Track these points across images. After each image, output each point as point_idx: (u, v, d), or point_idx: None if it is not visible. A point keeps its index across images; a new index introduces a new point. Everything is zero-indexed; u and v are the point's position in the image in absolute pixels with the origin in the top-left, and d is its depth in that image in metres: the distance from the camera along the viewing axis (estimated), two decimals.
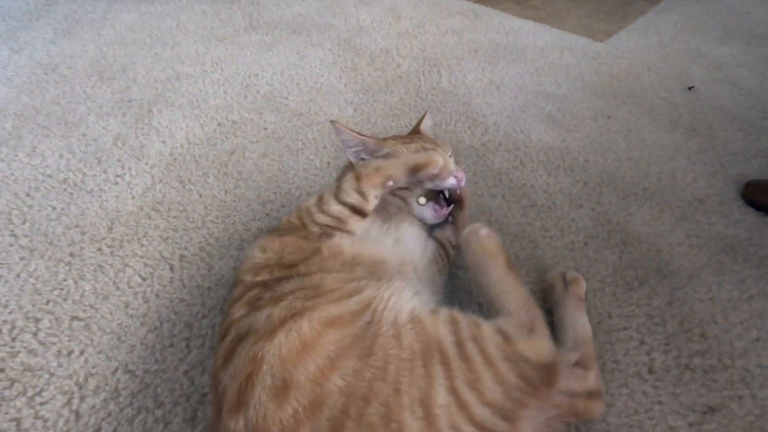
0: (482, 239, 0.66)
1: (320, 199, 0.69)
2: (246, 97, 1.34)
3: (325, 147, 1.16)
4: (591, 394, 0.64)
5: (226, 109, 1.29)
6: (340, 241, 0.65)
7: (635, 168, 1.08)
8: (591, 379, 0.65)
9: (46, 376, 0.70)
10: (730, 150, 1.14)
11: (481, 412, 0.49)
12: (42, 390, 0.68)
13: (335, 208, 0.67)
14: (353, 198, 0.67)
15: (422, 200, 0.80)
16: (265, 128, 1.22)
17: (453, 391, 0.49)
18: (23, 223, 0.94)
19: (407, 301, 0.57)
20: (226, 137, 1.18)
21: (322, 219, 0.66)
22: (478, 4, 1.92)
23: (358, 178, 0.68)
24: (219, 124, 1.23)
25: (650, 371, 0.71)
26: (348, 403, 0.46)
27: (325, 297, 0.53)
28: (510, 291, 0.64)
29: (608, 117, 1.25)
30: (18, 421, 0.65)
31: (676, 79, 1.41)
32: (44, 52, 1.54)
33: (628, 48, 1.59)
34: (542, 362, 0.56)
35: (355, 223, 0.68)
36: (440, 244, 0.80)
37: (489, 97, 1.34)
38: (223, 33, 1.68)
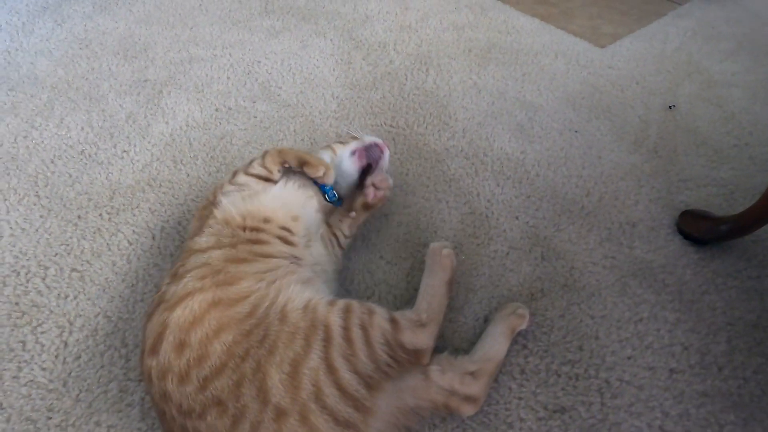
0: (444, 256, 0.85)
1: (233, 175, 0.88)
2: (245, 84, 1.48)
3: (302, 139, 1.29)
4: (468, 399, 0.71)
5: (225, 95, 1.44)
6: (229, 205, 0.81)
7: (581, 186, 1.15)
8: (475, 387, 0.72)
9: (47, 312, 0.91)
10: (683, 176, 1.17)
11: (348, 377, 0.61)
12: (43, 322, 0.90)
13: (242, 178, 0.86)
14: (259, 171, 0.87)
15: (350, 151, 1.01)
16: (255, 116, 1.36)
17: (326, 359, 0.61)
18: (46, 186, 1.15)
19: (299, 293, 0.70)
20: (220, 123, 1.34)
21: (230, 188, 0.84)
22: None
23: (263, 157, 0.89)
24: (216, 110, 1.39)
25: (522, 372, 0.83)
26: (227, 360, 0.61)
27: (211, 278, 0.68)
28: (433, 296, 0.79)
29: (576, 131, 1.30)
30: (24, 343, 0.87)
31: (660, 96, 1.42)
32: (82, 26, 1.74)
33: (625, 57, 1.58)
34: (415, 349, 0.69)
35: (262, 185, 0.86)
36: (332, 231, 0.93)
37: (467, 100, 1.41)
38: (239, 16, 1.81)
